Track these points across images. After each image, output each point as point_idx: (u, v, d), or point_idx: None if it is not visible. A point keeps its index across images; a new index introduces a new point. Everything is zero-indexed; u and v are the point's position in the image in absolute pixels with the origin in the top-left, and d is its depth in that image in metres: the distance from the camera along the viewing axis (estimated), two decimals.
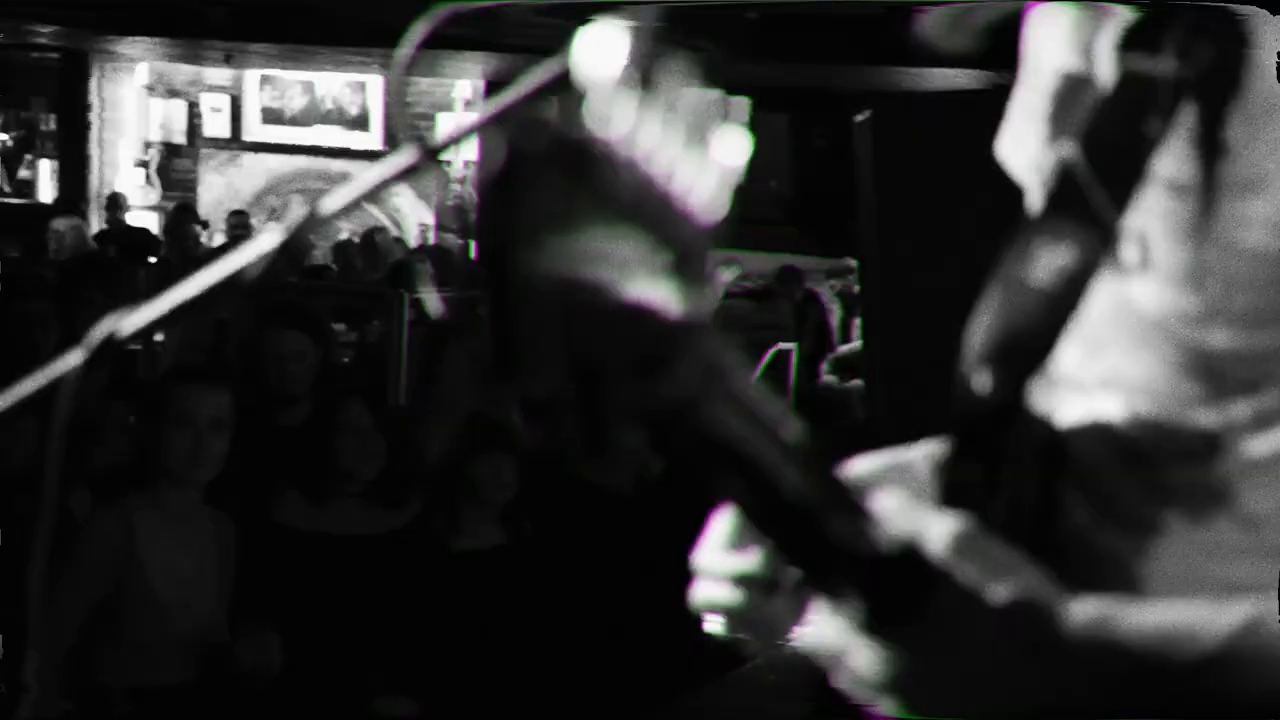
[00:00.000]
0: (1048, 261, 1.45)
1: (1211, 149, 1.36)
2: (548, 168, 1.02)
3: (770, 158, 14.40)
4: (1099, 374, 1.48)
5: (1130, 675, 1.27)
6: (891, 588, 1.29)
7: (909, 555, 1.28)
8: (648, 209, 1.01)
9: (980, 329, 1.48)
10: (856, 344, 11.99)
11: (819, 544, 1.27)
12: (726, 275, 12.80)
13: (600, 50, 1.06)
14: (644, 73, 1.03)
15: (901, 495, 1.33)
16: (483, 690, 4.94)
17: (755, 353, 10.19)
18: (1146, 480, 1.44)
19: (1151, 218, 1.40)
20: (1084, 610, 1.28)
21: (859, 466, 1.65)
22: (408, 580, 5.00)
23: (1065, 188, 1.46)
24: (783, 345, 10.29)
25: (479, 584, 5.07)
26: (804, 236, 13.46)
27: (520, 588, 5.10)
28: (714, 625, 1.61)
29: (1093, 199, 1.44)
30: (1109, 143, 1.44)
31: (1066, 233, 1.45)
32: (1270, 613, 1.26)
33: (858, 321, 12.49)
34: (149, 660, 4.52)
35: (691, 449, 1.22)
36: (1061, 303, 1.44)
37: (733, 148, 1.04)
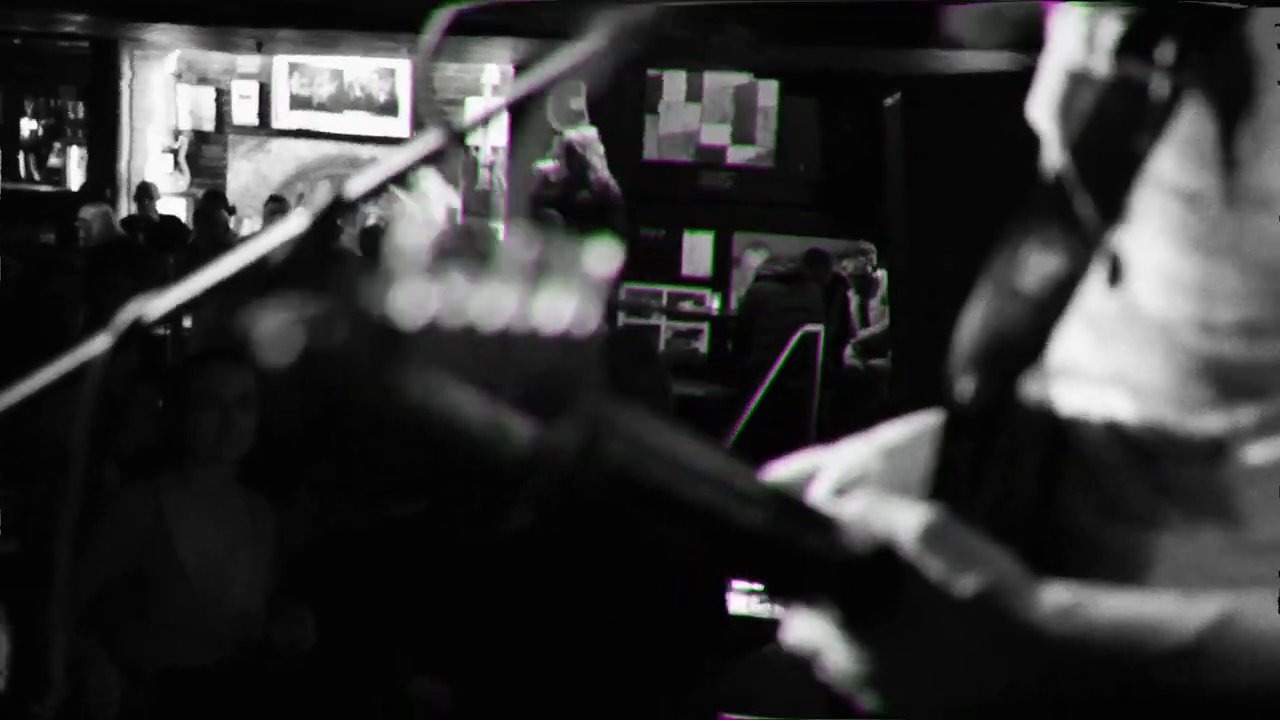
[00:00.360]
0: (1034, 268, 1.46)
1: (1218, 160, 1.35)
2: (353, 360, 0.98)
3: (799, 142, 14.41)
4: (1107, 369, 1.47)
5: (1099, 666, 1.27)
6: (863, 590, 1.29)
7: (881, 556, 1.28)
8: (488, 365, 0.98)
9: (967, 331, 1.50)
10: (876, 327, 12.04)
11: (791, 567, 1.28)
12: (755, 258, 12.82)
13: (410, 228, 1.00)
14: (463, 239, 0.99)
15: (869, 492, 1.33)
16: (514, 671, 4.95)
17: (784, 335, 10.23)
18: (1150, 479, 1.44)
19: (1158, 224, 1.40)
20: (1054, 598, 1.28)
21: (887, 434, 1.66)
22: (437, 563, 5.02)
23: (1054, 195, 1.47)
24: (810, 328, 10.30)
25: (508, 565, 5.09)
26: (832, 220, 13.47)
27: (549, 567, 5.11)
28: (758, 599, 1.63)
29: (1080, 207, 1.45)
30: (1098, 151, 1.45)
31: (1053, 240, 1.46)
32: (1242, 609, 1.26)
33: (872, 304, 12.55)
34: (180, 640, 4.54)
35: (641, 513, 1.23)
36: (1047, 310, 1.46)
37: (602, 259, 1.01)
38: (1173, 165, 1.38)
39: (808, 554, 1.27)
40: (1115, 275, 1.45)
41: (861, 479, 1.61)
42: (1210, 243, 1.35)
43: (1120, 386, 1.46)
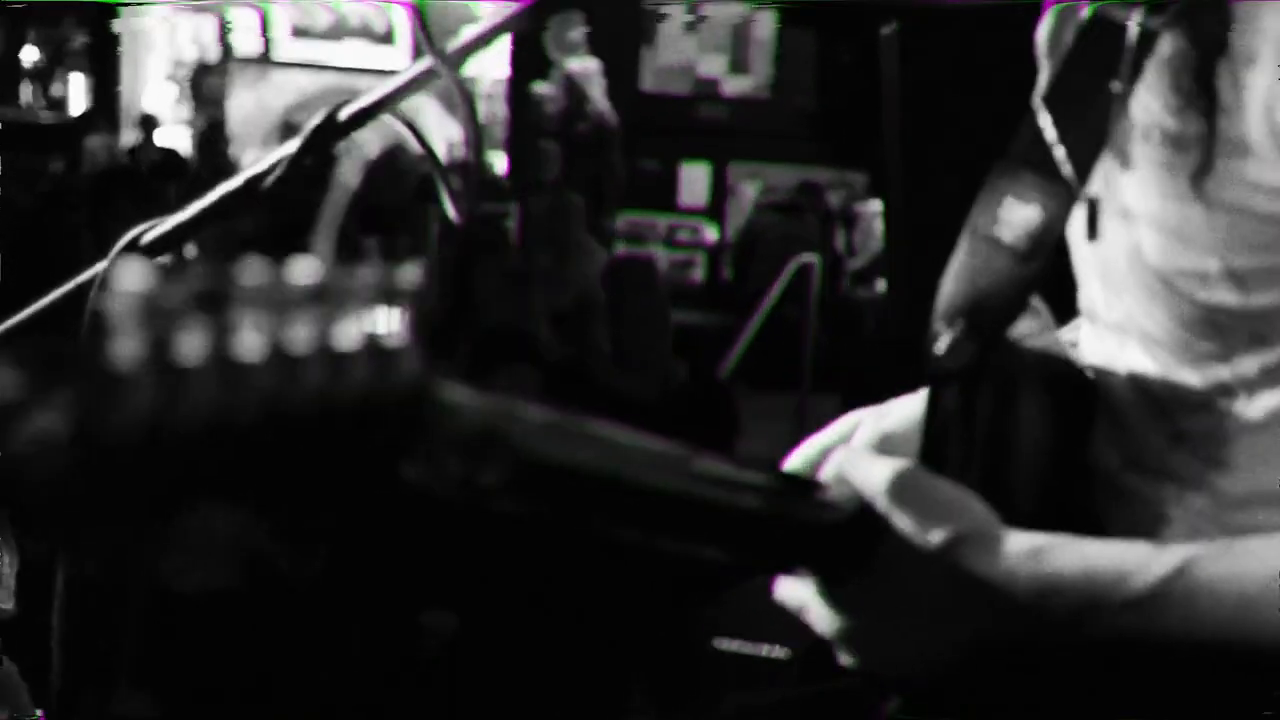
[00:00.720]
0: (1013, 219, 1.45)
1: (1202, 104, 1.36)
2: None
3: (796, 73, 14.36)
4: (1120, 317, 1.49)
5: (1063, 612, 1.28)
6: (842, 552, 1.30)
7: (861, 517, 1.30)
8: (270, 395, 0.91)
9: (947, 285, 1.49)
10: (861, 258, 12.08)
11: (782, 543, 1.29)
12: (750, 188, 12.82)
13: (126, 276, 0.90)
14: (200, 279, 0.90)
15: (847, 450, 1.34)
16: (519, 602, 4.97)
17: (781, 265, 10.22)
18: (1165, 430, 1.45)
19: (1153, 171, 1.41)
20: (1020, 546, 1.30)
21: (905, 407, 1.66)
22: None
23: (1030, 142, 1.46)
24: (805, 258, 10.30)
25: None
26: (828, 151, 13.44)
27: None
28: None
29: (1056, 155, 1.44)
30: (1073, 91, 1.45)
31: (1030, 189, 1.45)
32: (1202, 556, 1.28)
33: (856, 236, 12.57)
34: (190, 567, 4.56)
35: (611, 516, 1.21)
36: (1027, 262, 1.44)
37: (408, 278, 0.95)
38: (1161, 109, 1.39)
39: (797, 526, 1.28)
40: (1093, 226, 1.46)
41: (896, 437, 1.62)
42: (1199, 190, 1.36)
43: (1132, 335, 1.47)
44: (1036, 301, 1.55)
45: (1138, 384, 1.47)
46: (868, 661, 1.36)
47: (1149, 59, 1.40)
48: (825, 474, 1.35)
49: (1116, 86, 1.40)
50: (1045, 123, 1.46)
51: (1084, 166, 1.43)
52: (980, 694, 1.36)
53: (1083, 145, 1.43)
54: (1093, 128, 1.42)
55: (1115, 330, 1.50)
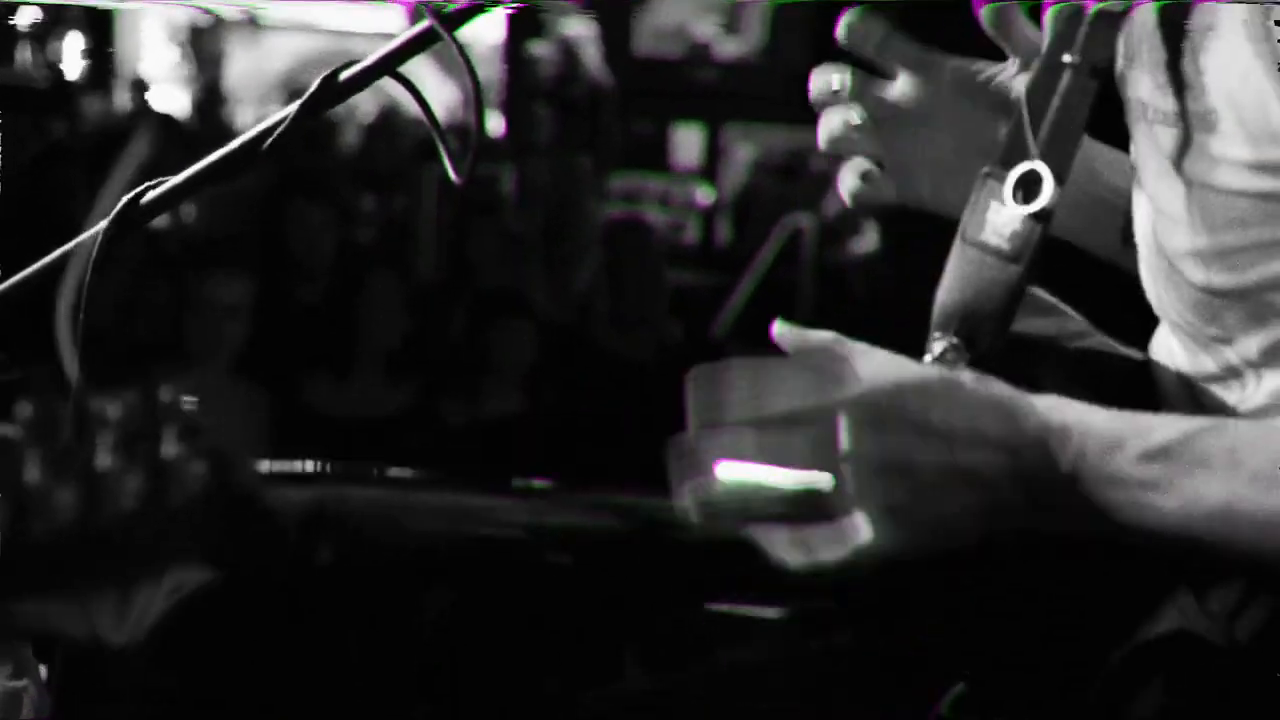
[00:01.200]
0: (996, 221, 1.45)
1: (1171, 81, 1.37)
2: None
3: (790, 34, 14.32)
4: (1156, 303, 1.50)
5: (1095, 453, 1.27)
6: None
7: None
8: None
9: (940, 295, 1.48)
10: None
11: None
12: (743, 150, 12.81)
13: None
14: None
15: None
16: (515, 575, 4.97)
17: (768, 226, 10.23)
18: (1198, 413, 1.43)
19: (1151, 154, 1.42)
20: (1046, 401, 1.29)
21: None
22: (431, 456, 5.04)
23: (1012, 143, 1.46)
24: (800, 220, 10.30)
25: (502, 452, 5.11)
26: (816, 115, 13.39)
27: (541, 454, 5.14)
28: None
29: (1035, 152, 1.44)
30: (1044, 90, 1.45)
31: (1013, 188, 1.44)
32: (1230, 423, 1.29)
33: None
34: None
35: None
36: (1013, 262, 1.44)
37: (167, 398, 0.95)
38: (1150, 88, 1.41)
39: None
40: (1027, 193, 1.43)
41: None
42: (1178, 168, 1.37)
43: (1165, 318, 1.48)
44: (1057, 301, 1.56)
45: (1179, 372, 1.48)
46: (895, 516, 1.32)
47: (1117, 36, 1.43)
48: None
49: (1067, 58, 1.42)
50: (1025, 121, 1.46)
51: (1053, 152, 1.43)
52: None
53: (1050, 129, 1.43)
54: (1049, 97, 1.43)
55: (1163, 319, 1.51)
